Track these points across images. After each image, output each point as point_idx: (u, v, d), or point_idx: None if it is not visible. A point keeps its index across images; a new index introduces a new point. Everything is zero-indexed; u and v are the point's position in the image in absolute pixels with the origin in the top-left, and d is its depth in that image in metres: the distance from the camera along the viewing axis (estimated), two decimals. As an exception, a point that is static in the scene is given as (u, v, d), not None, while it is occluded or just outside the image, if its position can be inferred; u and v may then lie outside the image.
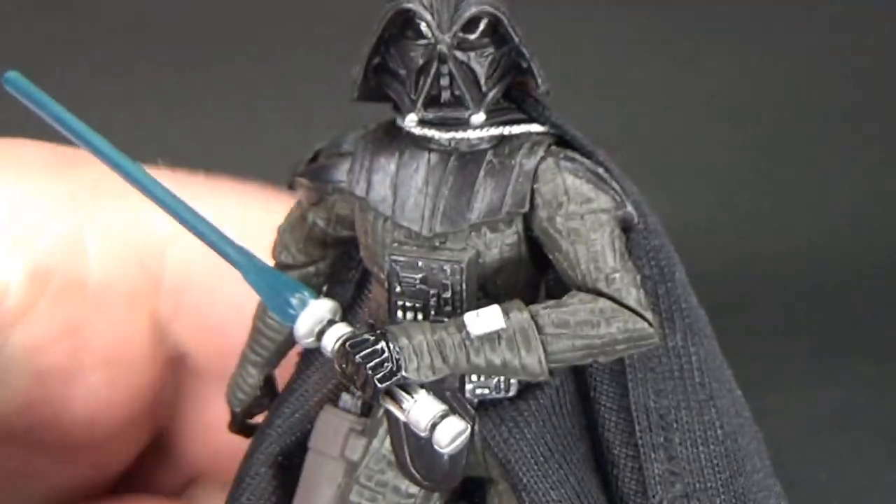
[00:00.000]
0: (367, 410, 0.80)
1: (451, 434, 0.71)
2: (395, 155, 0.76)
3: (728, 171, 1.96)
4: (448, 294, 0.74)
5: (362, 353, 0.70)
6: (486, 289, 0.75)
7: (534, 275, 0.77)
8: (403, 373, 0.70)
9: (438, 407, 0.72)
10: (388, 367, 0.70)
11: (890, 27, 2.06)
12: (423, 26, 0.72)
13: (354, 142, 0.78)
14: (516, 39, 0.73)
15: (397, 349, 0.70)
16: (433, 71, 0.72)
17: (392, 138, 0.77)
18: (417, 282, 0.74)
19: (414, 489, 0.78)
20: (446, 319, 0.73)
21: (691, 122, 1.96)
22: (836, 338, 1.62)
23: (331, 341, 0.73)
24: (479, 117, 0.73)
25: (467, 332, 0.71)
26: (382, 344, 0.70)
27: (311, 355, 0.85)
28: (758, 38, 2.06)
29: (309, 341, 0.75)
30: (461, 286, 0.74)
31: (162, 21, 1.87)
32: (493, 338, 0.71)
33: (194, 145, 1.70)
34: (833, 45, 2.05)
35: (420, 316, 0.75)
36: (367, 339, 0.71)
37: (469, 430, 0.73)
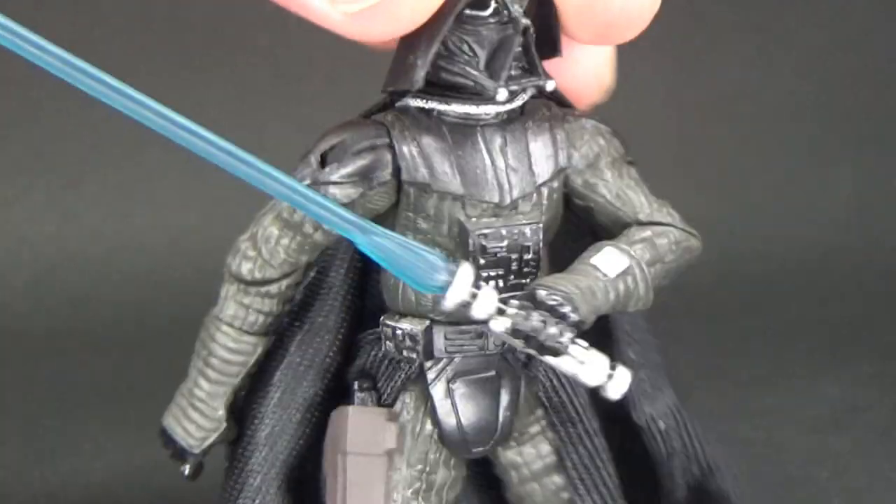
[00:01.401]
0: (392, 401, 0.80)
1: (625, 384, 0.73)
2: (442, 137, 0.76)
3: (728, 171, 1.96)
4: (529, 255, 0.77)
5: (551, 304, 0.71)
6: None
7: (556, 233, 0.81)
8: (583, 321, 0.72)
9: (605, 359, 0.73)
10: (573, 319, 0.71)
11: (890, 27, 2.06)
12: (493, 2, 0.73)
13: (378, 134, 0.76)
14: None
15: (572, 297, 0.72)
16: (514, 45, 0.74)
17: (422, 122, 0.76)
18: (503, 250, 0.76)
19: (462, 465, 0.81)
20: (526, 282, 0.76)
21: (692, 121, 1.96)
22: (836, 338, 1.62)
23: (488, 307, 0.71)
24: (551, 84, 0.77)
25: (604, 274, 0.74)
26: (562, 296, 0.71)
27: (268, 364, 0.82)
28: (758, 37, 2.06)
29: (453, 308, 0.72)
30: (539, 245, 0.77)
31: (161, 20, 1.87)
32: (622, 275, 0.75)
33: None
34: (833, 44, 2.05)
35: (501, 284, 0.76)
36: (557, 291, 0.71)
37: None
